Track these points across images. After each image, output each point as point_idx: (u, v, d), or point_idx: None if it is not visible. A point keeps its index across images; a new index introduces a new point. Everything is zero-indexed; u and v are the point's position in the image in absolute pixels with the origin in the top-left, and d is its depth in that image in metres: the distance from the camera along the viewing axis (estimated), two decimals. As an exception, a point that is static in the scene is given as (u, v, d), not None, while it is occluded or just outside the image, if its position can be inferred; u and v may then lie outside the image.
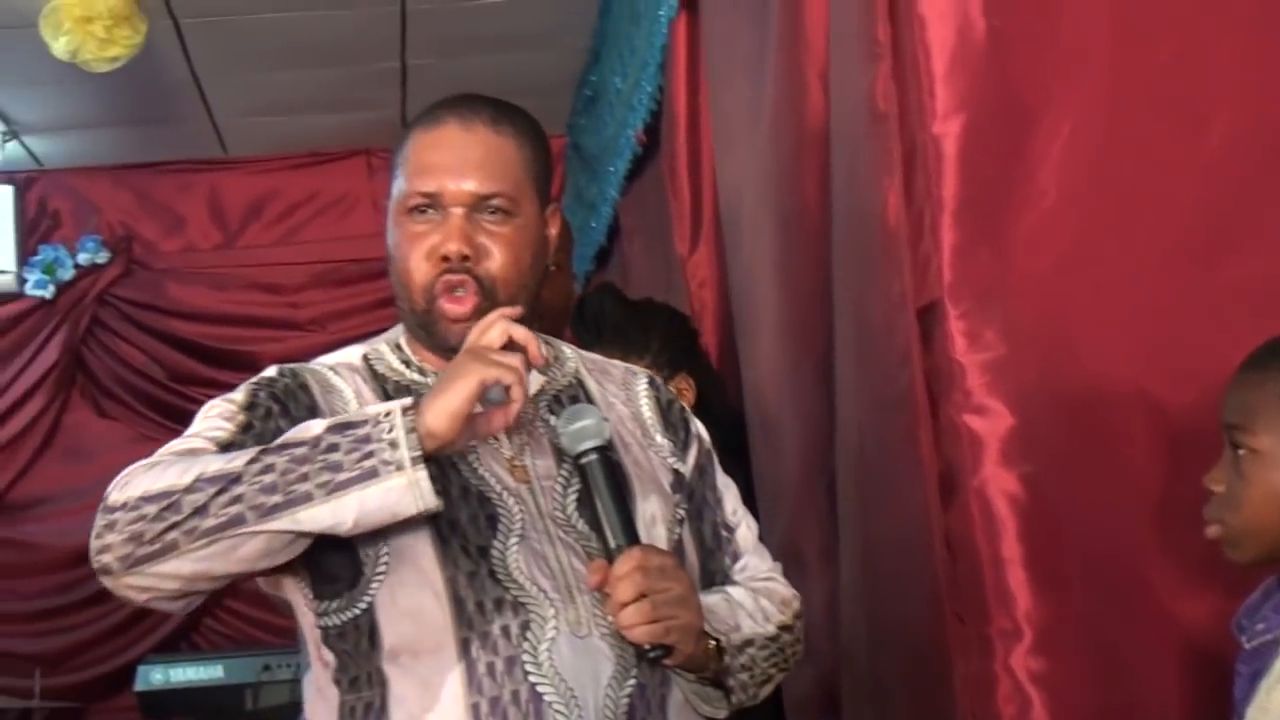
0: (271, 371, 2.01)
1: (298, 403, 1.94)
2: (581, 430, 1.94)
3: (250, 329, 6.73)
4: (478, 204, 1.96)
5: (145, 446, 6.68)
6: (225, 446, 1.86)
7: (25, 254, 6.60)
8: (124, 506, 1.78)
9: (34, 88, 5.69)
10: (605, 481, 1.91)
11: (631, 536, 1.89)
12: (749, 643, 2.01)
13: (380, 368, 2.04)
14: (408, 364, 2.04)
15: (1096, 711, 2.27)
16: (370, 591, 1.86)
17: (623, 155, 4.79)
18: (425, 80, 5.81)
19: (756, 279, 3.24)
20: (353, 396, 1.97)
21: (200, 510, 1.74)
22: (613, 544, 1.88)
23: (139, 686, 5.58)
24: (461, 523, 1.88)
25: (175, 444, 1.90)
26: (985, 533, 2.31)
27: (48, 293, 6.58)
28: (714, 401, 3.15)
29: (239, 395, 1.95)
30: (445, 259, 1.95)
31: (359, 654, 1.87)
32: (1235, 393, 1.90)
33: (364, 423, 1.76)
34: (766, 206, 3.15)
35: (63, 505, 6.59)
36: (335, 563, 1.88)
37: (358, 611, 1.87)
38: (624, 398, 2.12)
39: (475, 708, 1.81)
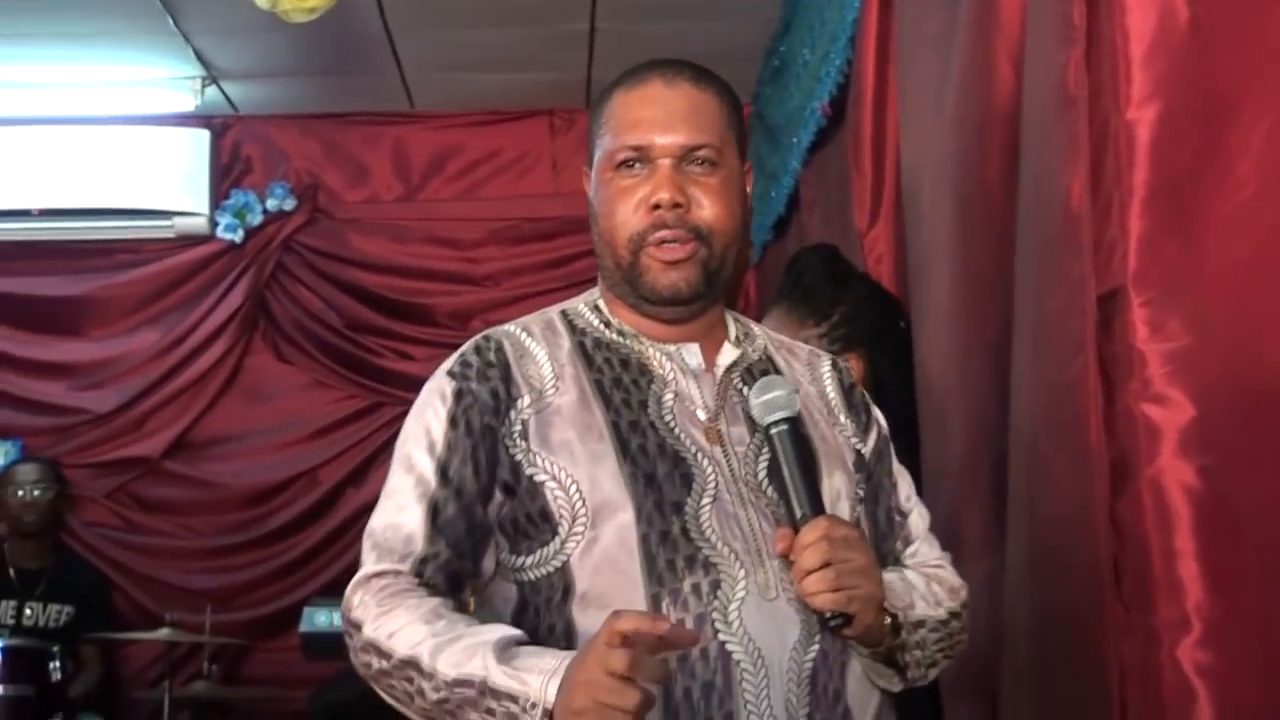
0: (469, 353, 2.06)
1: (489, 380, 2.01)
2: (773, 401, 1.98)
3: (427, 281, 6.83)
4: (685, 155, 2.01)
5: (320, 393, 6.85)
6: (432, 512, 1.97)
7: (218, 198, 6.78)
8: (359, 640, 1.94)
9: (233, 35, 5.85)
10: (793, 451, 1.95)
11: (817, 506, 1.93)
12: (921, 623, 2.04)
13: (579, 323, 2.10)
14: (607, 324, 2.09)
15: (1264, 710, 2.24)
16: (568, 550, 1.92)
17: (807, 127, 4.80)
18: (612, 44, 5.87)
19: (933, 259, 3.24)
20: (546, 360, 2.03)
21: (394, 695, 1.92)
22: (799, 513, 1.92)
23: (303, 628, 5.73)
24: (658, 478, 1.93)
25: (381, 521, 2.01)
26: (1157, 523, 2.29)
27: (237, 237, 6.75)
28: (891, 388, 3.13)
29: (441, 415, 2.02)
30: (656, 207, 1.99)
31: (552, 604, 1.93)
32: None
33: (515, 699, 1.77)
34: (947, 186, 3.14)
35: (241, 445, 6.80)
36: (533, 521, 1.95)
37: (555, 566, 1.92)
38: (810, 377, 2.17)
39: (664, 662, 1.85)
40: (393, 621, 1.89)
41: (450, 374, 2.04)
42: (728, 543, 1.92)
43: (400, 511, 1.98)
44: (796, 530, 1.91)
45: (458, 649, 1.82)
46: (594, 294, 2.14)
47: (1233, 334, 2.31)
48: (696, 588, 1.88)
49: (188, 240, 6.78)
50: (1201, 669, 2.26)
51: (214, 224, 6.75)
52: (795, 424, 1.98)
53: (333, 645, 5.72)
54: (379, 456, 6.60)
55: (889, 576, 2.02)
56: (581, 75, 6.27)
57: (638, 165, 2.01)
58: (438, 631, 1.85)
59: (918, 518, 2.19)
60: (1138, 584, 2.33)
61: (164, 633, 5.64)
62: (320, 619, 5.69)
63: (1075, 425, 2.41)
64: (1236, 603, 2.27)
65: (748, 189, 2.12)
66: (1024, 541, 2.65)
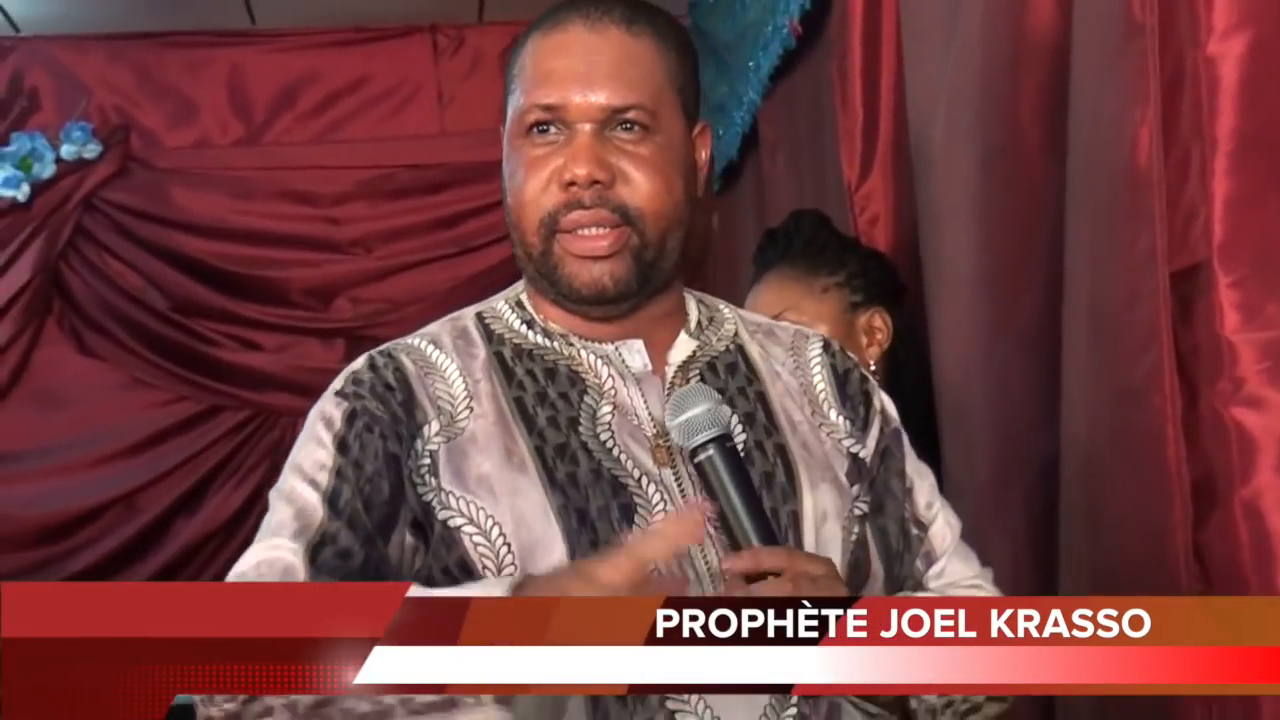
0: (362, 370, 2.11)
1: (388, 404, 2.06)
2: (691, 421, 2.00)
3: (277, 249, 6.80)
4: (610, 119, 2.06)
5: (139, 395, 6.80)
6: (314, 549, 1.99)
7: (-8, 143, 6.70)
8: None
9: (20, -65, 5.79)
10: (730, 476, 1.98)
11: (768, 538, 1.97)
12: None
13: (497, 327, 2.15)
14: (529, 324, 2.15)
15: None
16: None
17: (768, 49, 4.83)
18: (514, -58, 5.88)
19: (949, 223, 3.29)
20: (458, 376, 2.09)
21: None
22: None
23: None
24: (590, 515, 1.99)
25: (251, 561, 2.01)
26: (1255, 555, 2.36)
27: (20, 193, 6.64)
28: (908, 358, 3.22)
29: (328, 435, 2.05)
30: (571, 184, 2.03)
31: None
32: None
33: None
34: (966, 134, 3.20)
35: (30, 465, 6.70)
36: (451, 575, 1.99)
37: None
38: (792, 366, 2.22)
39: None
40: None
41: (340, 394, 2.09)
42: None
43: (274, 550, 2.01)
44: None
45: None
46: (519, 287, 2.20)
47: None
48: None
49: (-49, 199, 6.69)
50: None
51: (-12, 177, 6.68)
52: (725, 442, 2.00)
53: None
54: (217, 476, 6.59)
55: None
56: (473, -18, 6.28)
57: (553, 130, 2.06)
58: None
59: (943, 526, 2.24)
60: (1230, 631, 2.40)
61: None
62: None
63: (1147, 437, 2.48)
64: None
65: (701, 156, 2.17)
66: (1081, 580, 2.72)
